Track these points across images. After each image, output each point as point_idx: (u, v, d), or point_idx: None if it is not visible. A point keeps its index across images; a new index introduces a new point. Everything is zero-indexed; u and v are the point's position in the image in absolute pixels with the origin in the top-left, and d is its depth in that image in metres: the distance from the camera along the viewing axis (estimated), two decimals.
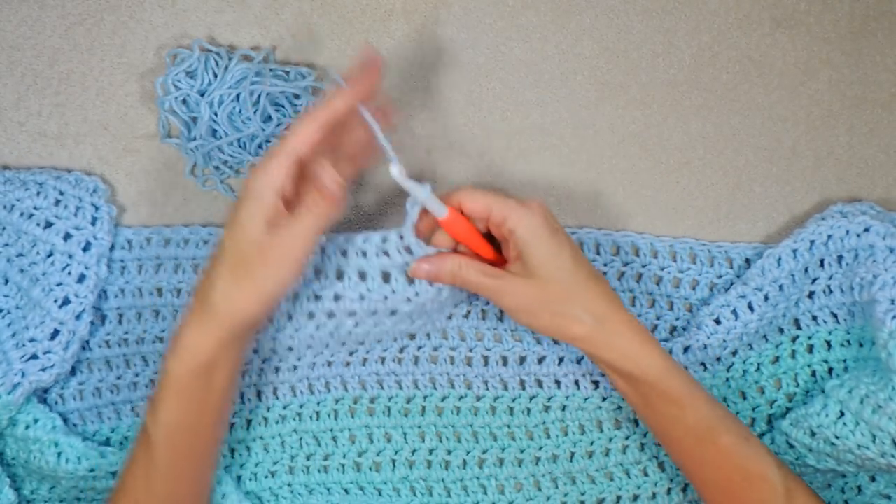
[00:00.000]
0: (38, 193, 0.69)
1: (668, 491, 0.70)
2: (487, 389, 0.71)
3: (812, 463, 0.67)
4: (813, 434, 0.65)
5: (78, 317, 0.68)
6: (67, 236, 0.69)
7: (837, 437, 0.64)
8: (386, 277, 0.64)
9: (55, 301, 0.67)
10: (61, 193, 0.70)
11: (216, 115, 0.69)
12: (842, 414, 0.64)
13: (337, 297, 0.65)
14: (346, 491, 0.70)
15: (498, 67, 0.73)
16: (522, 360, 0.72)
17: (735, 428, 0.63)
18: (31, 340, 0.67)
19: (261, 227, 0.58)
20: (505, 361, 0.72)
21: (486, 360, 0.72)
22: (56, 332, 0.68)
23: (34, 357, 0.67)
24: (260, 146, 0.70)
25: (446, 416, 0.71)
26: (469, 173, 0.73)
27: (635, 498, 0.71)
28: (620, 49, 0.73)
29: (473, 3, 0.73)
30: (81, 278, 0.68)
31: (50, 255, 0.68)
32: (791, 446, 0.67)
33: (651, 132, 0.73)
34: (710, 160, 0.74)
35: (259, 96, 0.69)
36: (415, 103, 0.73)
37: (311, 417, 0.71)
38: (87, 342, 0.71)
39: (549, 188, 0.73)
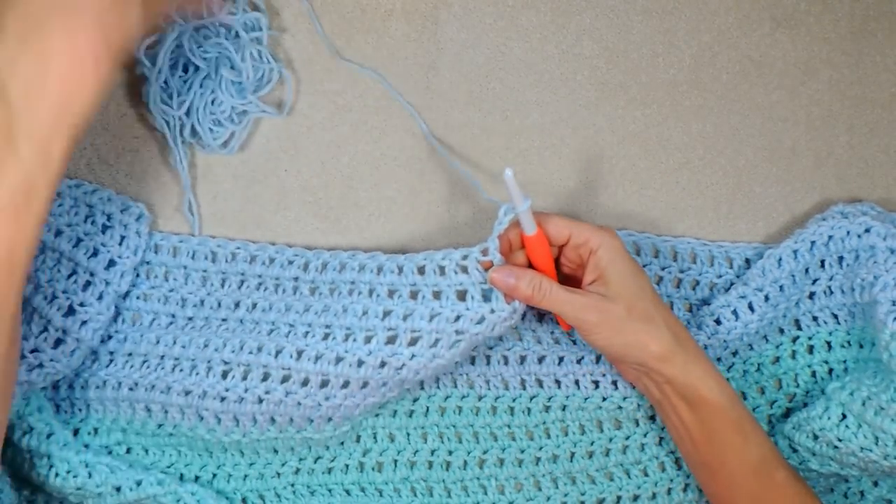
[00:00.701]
0: (88, 217, 0.69)
1: (669, 491, 0.71)
2: (489, 389, 0.71)
3: (815, 467, 0.67)
4: (816, 437, 0.65)
5: (84, 324, 0.67)
6: (94, 253, 0.68)
7: (840, 440, 0.64)
8: (461, 297, 0.64)
9: (59, 309, 0.67)
10: (90, 207, 0.69)
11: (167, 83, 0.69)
12: (844, 416, 0.64)
13: (406, 316, 0.65)
14: (347, 492, 0.70)
15: (498, 67, 0.73)
16: (523, 359, 0.72)
17: (787, 464, 0.64)
18: (33, 351, 0.66)
19: None
20: (506, 360, 0.72)
21: (488, 358, 0.72)
22: (60, 342, 0.66)
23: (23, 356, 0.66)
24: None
25: (448, 416, 0.71)
26: (469, 174, 0.73)
27: (635, 498, 0.71)
28: (620, 49, 0.73)
29: (473, 3, 0.73)
30: (87, 285, 0.67)
31: (69, 269, 0.68)
32: (794, 450, 0.67)
33: (651, 132, 0.73)
34: (710, 160, 0.74)
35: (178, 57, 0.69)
36: (415, 103, 0.73)
37: None
38: (110, 337, 0.70)
39: (550, 188, 0.73)
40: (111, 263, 0.69)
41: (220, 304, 0.70)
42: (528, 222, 0.63)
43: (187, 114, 0.70)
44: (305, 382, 0.65)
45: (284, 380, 0.65)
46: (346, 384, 0.65)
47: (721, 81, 0.73)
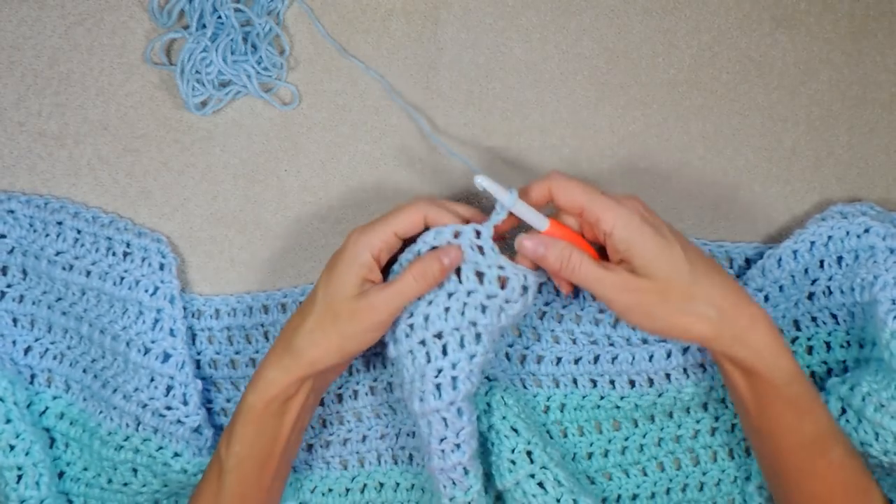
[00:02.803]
0: (109, 249, 0.70)
1: (668, 491, 0.71)
2: None
3: None
4: None
5: (181, 367, 0.69)
6: (155, 290, 0.69)
7: None
8: (480, 278, 0.61)
9: (156, 358, 0.68)
10: (128, 246, 0.70)
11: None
12: (844, 411, 0.64)
13: (426, 318, 0.62)
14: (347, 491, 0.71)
15: (498, 67, 0.73)
16: (523, 358, 0.72)
17: (845, 441, 0.61)
18: (151, 399, 0.68)
19: (355, 285, 0.60)
20: (507, 357, 0.72)
21: None
22: (170, 388, 0.68)
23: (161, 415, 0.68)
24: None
25: None
26: (469, 174, 0.73)
27: (634, 497, 0.71)
28: (620, 49, 0.73)
29: (473, 3, 0.73)
30: (172, 332, 0.69)
31: (133, 311, 0.69)
32: None
33: (651, 132, 0.73)
34: (710, 160, 0.74)
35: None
36: (415, 103, 0.73)
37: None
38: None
39: None
40: (173, 299, 0.70)
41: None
42: (535, 218, 0.60)
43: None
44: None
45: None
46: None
47: (721, 81, 0.73)
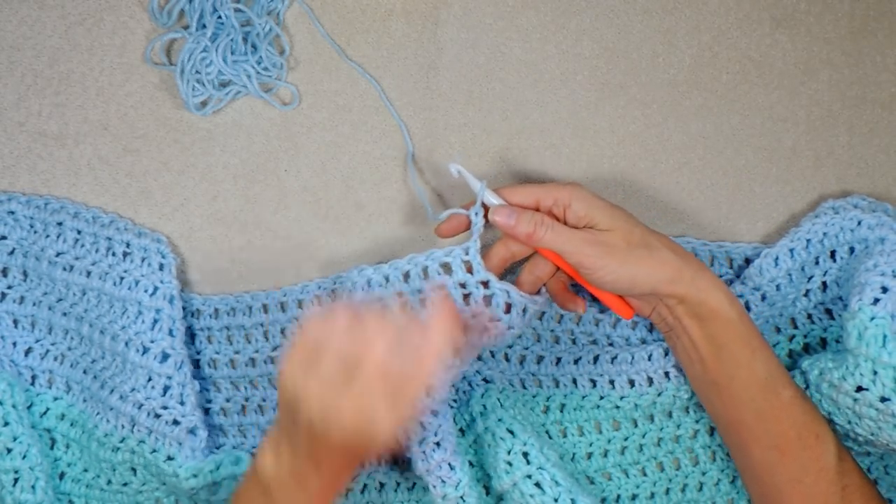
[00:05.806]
0: (108, 250, 0.70)
1: (667, 491, 0.71)
2: None
3: None
4: None
5: (179, 367, 0.69)
6: (154, 290, 0.69)
7: None
8: (466, 299, 0.63)
9: (154, 358, 0.68)
10: (128, 246, 0.70)
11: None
12: (807, 386, 0.66)
13: None
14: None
15: (498, 67, 0.73)
16: (523, 359, 0.72)
17: (794, 384, 0.64)
18: (148, 399, 0.68)
19: None
20: (507, 358, 0.72)
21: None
22: (167, 388, 0.68)
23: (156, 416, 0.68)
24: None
25: None
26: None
27: (633, 497, 0.71)
28: (620, 49, 0.73)
29: (473, 3, 0.73)
30: (171, 332, 0.69)
31: (132, 311, 0.69)
32: None
33: (651, 132, 0.73)
34: (710, 160, 0.74)
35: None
36: (415, 103, 0.73)
37: None
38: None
39: None
40: (172, 299, 0.70)
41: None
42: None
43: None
44: None
45: None
46: None
47: (721, 81, 0.73)
